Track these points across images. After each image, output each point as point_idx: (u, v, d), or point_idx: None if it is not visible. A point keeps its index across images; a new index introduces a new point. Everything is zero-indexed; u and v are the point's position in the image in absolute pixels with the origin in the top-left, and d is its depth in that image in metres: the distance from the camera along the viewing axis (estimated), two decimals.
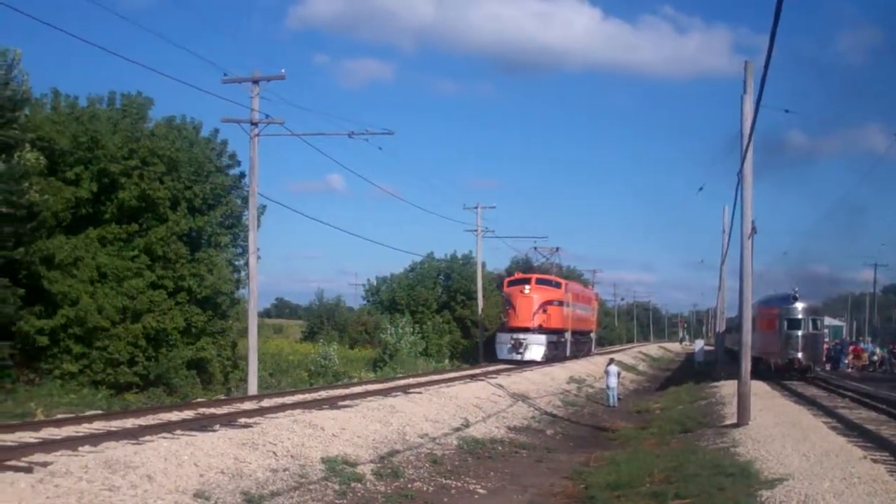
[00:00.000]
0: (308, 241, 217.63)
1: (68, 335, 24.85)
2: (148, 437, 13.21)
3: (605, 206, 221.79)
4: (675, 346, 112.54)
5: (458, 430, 19.41)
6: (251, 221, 26.63)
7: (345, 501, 12.36)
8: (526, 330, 39.72)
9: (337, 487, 12.81)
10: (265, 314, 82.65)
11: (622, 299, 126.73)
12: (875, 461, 13.25)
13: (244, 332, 27.48)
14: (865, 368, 44.73)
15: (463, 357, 49.42)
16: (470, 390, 25.55)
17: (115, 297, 25.56)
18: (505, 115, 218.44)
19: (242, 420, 15.78)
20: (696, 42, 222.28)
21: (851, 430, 17.53)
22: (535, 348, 39.52)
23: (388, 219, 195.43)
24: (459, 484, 14.38)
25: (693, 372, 46.80)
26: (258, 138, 25.91)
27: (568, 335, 45.24)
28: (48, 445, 11.86)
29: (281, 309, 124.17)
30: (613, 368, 30.77)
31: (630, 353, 67.65)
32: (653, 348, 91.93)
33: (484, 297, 50.12)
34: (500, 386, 28.29)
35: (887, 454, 14.12)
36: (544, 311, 40.23)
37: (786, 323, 33.32)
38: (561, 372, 37.85)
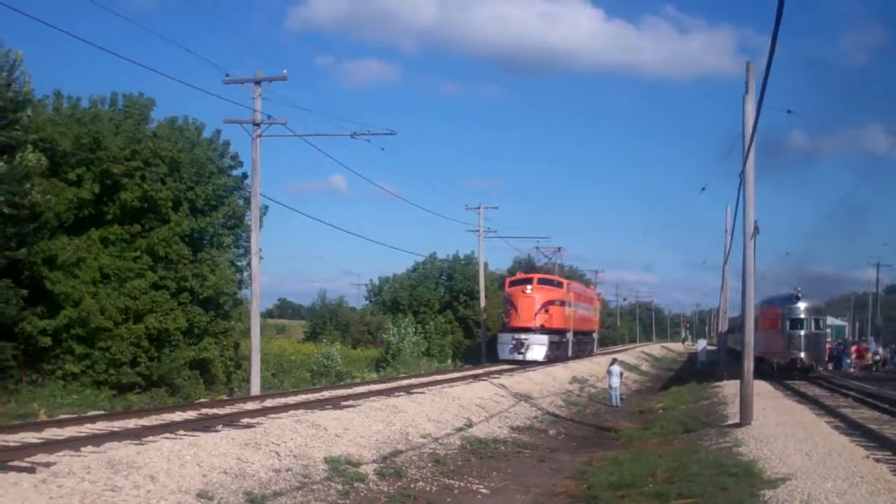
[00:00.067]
0: (310, 242, 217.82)
1: (71, 336, 24.87)
2: (151, 438, 13.22)
3: (607, 207, 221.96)
4: (677, 347, 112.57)
5: (460, 430, 19.41)
6: (253, 222, 26.65)
7: (348, 501, 12.36)
8: (528, 330, 39.65)
9: (340, 487, 12.81)
10: (268, 314, 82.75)
11: (625, 299, 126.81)
12: (878, 461, 13.25)
13: (247, 333, 27.50)
14: (868, 368, 44.70)
15: (465, 357, 49.45)
16: (473, 390, 25.54)
17: (117, 297, 25.58)
18: (507, 115, 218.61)
19: (245, 420, 15.78)
20: (698, 43, 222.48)
21: (854, 429, 17.52)
22: (537, 348, 39.45)
23: (391, 219, 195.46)
24: (462, 484, 14.39)
25: (696, 372, 46.79)
26: (260, 139, 25.94)
27: (570, 335, 45.18)
28: (51, 446, 11.87)
29: (283, 309, 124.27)
30: (616, 368, 30.74)
31: (633, 353, 67.62)
32: (655, 348, 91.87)
33: (486, 297, 50.14)
34: (503, 386, 28.28)
35: (890, 453, 14.11)
36: (546, 311, 40.17)
37: (788, 323, 33.31)
38: (563, 372, 37.83)
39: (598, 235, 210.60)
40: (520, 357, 38.90)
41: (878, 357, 47.80)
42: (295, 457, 13.59)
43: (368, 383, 27.65)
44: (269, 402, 19.56)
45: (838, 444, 14.90)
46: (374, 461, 14.79)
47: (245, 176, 30.22)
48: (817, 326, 34.04)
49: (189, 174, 27.91)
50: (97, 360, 25.12)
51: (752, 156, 19.20)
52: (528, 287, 40.45)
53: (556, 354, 42.08)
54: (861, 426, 17.82)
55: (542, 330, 39.91)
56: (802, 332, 33.24)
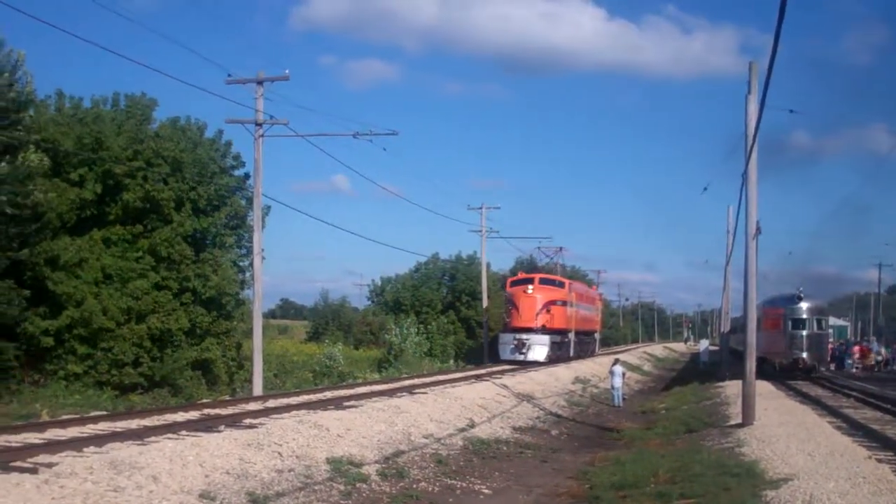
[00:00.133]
0: (313, 242, 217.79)
1: (73, 336, 24.88)
2: (153, 438, 13.23)
3: (609, 206, 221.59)
4: (679, 347, 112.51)
5: (463, 430, 19.41)
6: (256, 222, 26.67)
7: (350, 502, 12.36)
8: (529, 330, 39.56)
9: (342, 488, 12.81)
10: (270, 315, 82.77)
11: (627, 300, 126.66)
12: (880, 461, 13.25)
13: (249, 333, 27.51)
14: (871, 368, 44.68)
15: (468, 357, 49.44)
16: (475, 391, 25.53)
17: (119, 297, 25.59)
18: (509, 115, 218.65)
19: (247, 421, 15.79)
20: (700, 42, 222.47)
21: (856, 429, 17.51)
22: (539, 349, 39.38)
23: (393, 219, 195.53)
24: (464, 484, 14.38)
25: (698, 372, 46.79)
26: (262, 139, 25.95)
27: (571, 335, 45.12)
28: (53, 446, 11.89)
29: (286, 309, 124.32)
30: (618, 369, 30.73)
31: (635, 354, 67.59)
32: (658, 348, 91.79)
33: (489, 297, 50.14)
34: (505, 386, 28.27)
35: (892, 454, 14.10)
36: (547, 311, 40.09)
37: (790, 323, 33.31)
38: (566, 372, 37.81)
39: (600, 235, 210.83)
40: (521, 357, 38.82)
41: (880, 357, 47.78)
42: (297, 457, 13.59)
43: (370, 384, 27.65)
44: (271, 403, 19.57)
45: (840, 445, 14.88)
46: (376, 461, 14.79)
47: (247, 176, 30.26)
48: (819, 327, 34.03)
49: (191, 174, 27.92)
50: (99, 360, 25.12)
51: (754, 155, 19.18)
52: (530, 287, 40.36)
53: (558, 355, 42.02)
54: (863, 426, 17.80)
55: (544, 330, 39.83)
56: (805, 333, 33.23)
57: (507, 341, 40.13)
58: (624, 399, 30.92)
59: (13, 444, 12.36)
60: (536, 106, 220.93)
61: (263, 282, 26.48)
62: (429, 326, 48.25)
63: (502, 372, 33.77)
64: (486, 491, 14.02)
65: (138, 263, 26.56)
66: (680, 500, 11.72)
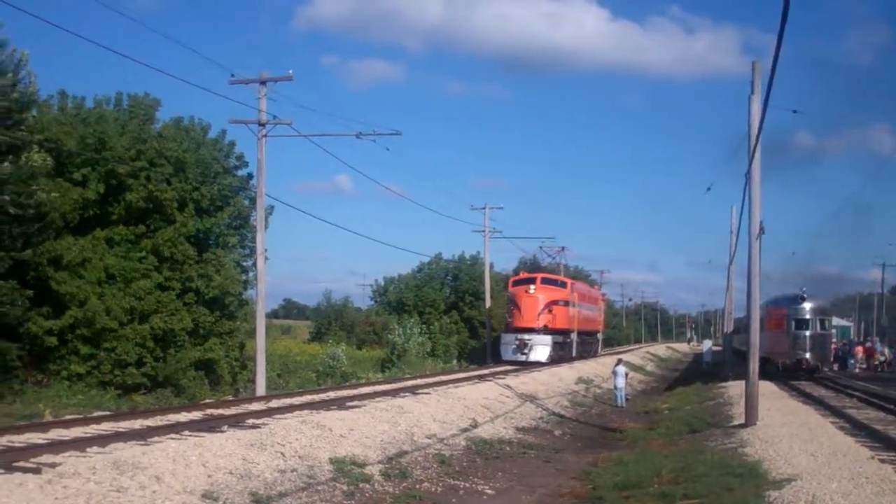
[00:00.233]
0: (316, 242, 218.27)
1: (76, 336, 24.89)
2: (156, 438, 13.25)
3: (612, 207, 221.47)
4: (682, 347, 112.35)
5: (466, 430, 19.41)
6: (259, 222, 26.69)
7: (353, 502, 12.37)
8: (531, 330, 39.48)
9: (345, 488, 12.82)
10: (273, 315, 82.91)
11: (630, 300, 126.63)
12: (883, 461, 13.24)
13: (252, 333, 27.53)
14: (874, 368, 44.63)
15: (471, 358, 49.43)
16: (478, 391, 25.54)
17: (122, 298, 25.61)
18: (512, 115, 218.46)
19: (251, 421, 15.80)
20: (703, 42, 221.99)
21: (859, 430, 17.50)
22: (541, 349, 39.31)
23: (396, 219, 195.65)
24: (468, 484, 14.38)
25: (701, 372, 46.75)
26: (266, 139, 25.98)
27: (574, 335, 45.07)
28: (56, 446, 11.91)
29: (289, 310, 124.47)
30: (621, 369, 30.73)
31: (638, 354, 67.54)
32: (661, 349, 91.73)
33: (492, 297, 50.12)
34: (508, 386, 28.27)
35: (895, 454, 14.08)
36: (549, 311, 40.03)
37: (794, 323, 33.29)
38: (569, 372, 37.79)
39: (602, 235, 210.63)
40: (523, 358, 38.73)
41: (883, 358, 47.72)
42: (300, 457, 13.60)
43: (373, 384, 27.67)
44: (274, 403, 19.59)
45: (843, 445, 14.88)
46: (379, 462, 14.80)
47: (250, 176, 30.25)
48: (822, 327, 33.99)
49: (194, 174, 27.93)
50: (102, 360, 25.14)
51: (757, 155, 19.16)
52: (532, 287, 40.29)
53: (560, 355, 41.97)
54: (866, 427, 17.80)
55: (546, 330, 39.75)
56: (808, 333, 33.21)
57: (508, 342, 40.05)
58: (627, 399, 30.91)
59: (16, 444, 12.39)
60: (538, 106, 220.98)
61: (266, 282, 26.56)
62: (432, 327, 48.25)
63: (505, 372, 33.76)
64: (489, 491, 14.02)
65: (141, 263, 26.58)
66: (683, 501, 11.72)
